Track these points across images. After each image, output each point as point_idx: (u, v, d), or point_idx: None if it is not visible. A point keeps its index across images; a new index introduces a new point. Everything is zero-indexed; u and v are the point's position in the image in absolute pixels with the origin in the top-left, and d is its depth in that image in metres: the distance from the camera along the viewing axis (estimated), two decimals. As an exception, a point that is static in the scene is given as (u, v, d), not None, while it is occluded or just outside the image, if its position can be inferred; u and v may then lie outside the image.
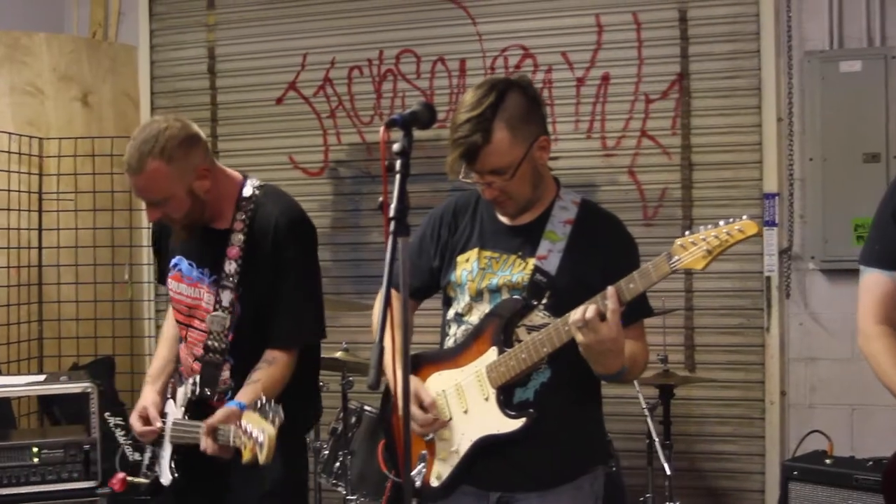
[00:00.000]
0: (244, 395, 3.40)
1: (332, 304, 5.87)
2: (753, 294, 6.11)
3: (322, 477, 5.42)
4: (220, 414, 3.33)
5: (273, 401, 3.19)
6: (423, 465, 3.21)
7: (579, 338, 2.86)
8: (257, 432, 3.11)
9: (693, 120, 6.19)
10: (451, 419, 3.18)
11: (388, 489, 4.55)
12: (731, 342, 6.16)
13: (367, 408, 5.27)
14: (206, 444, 3.32)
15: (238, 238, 3.58)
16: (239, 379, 3.55)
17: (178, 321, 3.77)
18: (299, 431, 3.81)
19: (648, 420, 5.22)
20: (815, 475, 4.79)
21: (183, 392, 3.66)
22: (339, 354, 5.39)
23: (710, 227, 2.75)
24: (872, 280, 3.26)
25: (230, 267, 3.56)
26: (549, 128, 6.16)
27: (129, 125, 7.06)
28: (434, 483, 3.21)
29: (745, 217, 2.72)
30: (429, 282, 3.36)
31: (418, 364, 3.32)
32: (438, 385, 3.22)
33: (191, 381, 3.62)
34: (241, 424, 3.20)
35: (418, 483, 3.19)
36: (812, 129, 5.92)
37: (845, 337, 5.95)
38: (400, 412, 2.54)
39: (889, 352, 3.18)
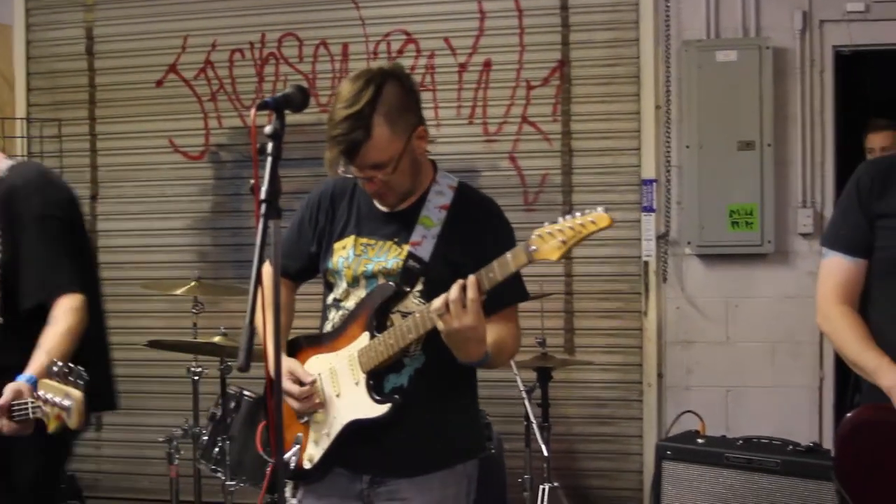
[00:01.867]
0: (32, 367, 3.30)
1: (212, 288, 5.85)
2: (631, 278, 6.22)
3: (201, 463, 5.37)
4: (8, 393, 3.20)
5: (69, 364, 3.09)
6: (297, 447, 3.21)
7: (440, 325, 2.86)
8: (60, 399, 3.04)
9: (573, 107, 6.28)
10: (324, 402, 3.19)
11: (268, 473, 4.53)
12: (609, 326, 6.26)
13: (246, 393, 5.24)
14: (2, 424, 3.21)
15: None
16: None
17: None
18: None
19: (526, 403, 5.28)
20: (688, 454, 4.89)
21: None
22: (217, 339, 5.34)
23: (567, 217, 2.75)
24: (835, 263, 3.35)
25: None
26: (432, 113, 6.29)
27: (3, 106, 6.91)
28: (307, 465, 3.21)
29: (598, 209, 2.71)
30: (308, 265, 3.34)
31: (297, 347, 3.31)
32: (315, 368, 3.21)
33: None
34: (39, 396, 3.12)
35: (293, 465, 3.19)
36: (689, 117, 6.04)
37: (720, 320, 6.11)
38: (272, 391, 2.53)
39: (850, 329, 3.28)
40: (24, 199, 3.50)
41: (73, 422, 3.03)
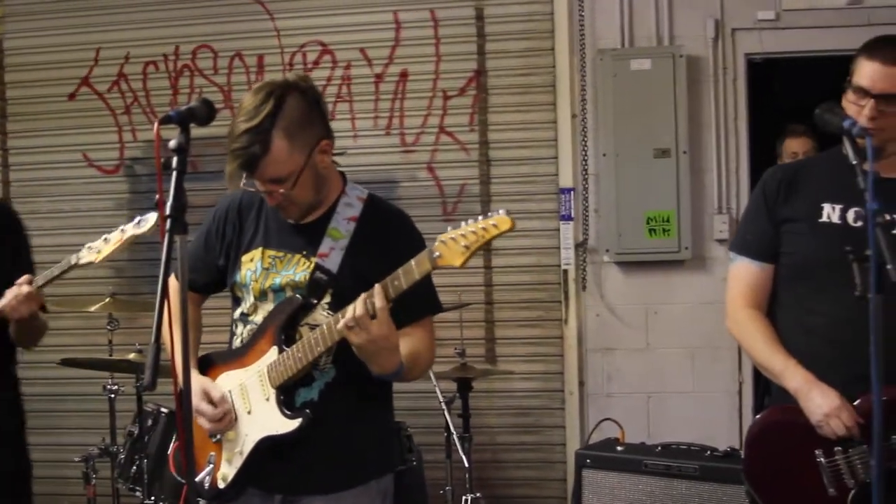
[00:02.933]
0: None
1: (127, 304, 5.76)
2: (551, 287, 6.24)
3: (119, 482, 5.30)
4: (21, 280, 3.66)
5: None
6: (211, 466, 3.16)
7: (351, 338, 2.85)
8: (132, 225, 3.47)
9: (490, 116, 6.29)
10: (236, 420, 3.15)
11: (183, 493, 4.48)
12: (530, 335, 6.28)
13: (163, 410, 5.17)
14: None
15: None
16: None
17: None
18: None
19: (446, 413, 5.27)
20: (607, 462, 4.89)
21: None
22: (132, 356, 5.27)
23: (469, 221, 2.75)
24: (742, 268, 3.42)
25: None
26: (348, 124, 6.26)
27: (-89, 120, 6.76)
28: (221, 485, 3.16)
29: (500, 212, 2.71)
30: (217, 278, 3.31)
31: (208, 364, 3.27)
32: (225, 385, 3.18)
33: None
34: (92, 247, 3.56)
35: (207, 485, 3.14)
36: (605, 126, 6.08)
37: (640, 327, 6.15)
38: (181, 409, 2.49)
39: (758, 332, 3.34)
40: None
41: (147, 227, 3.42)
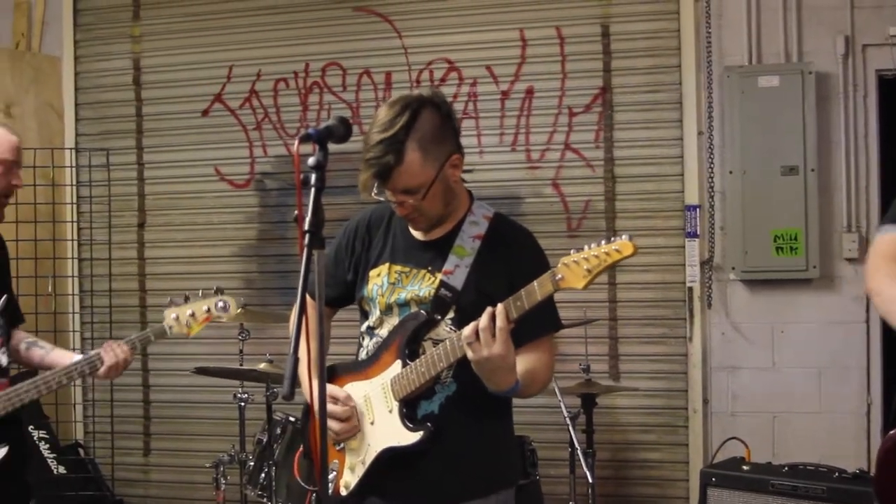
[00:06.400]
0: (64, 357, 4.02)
1: (257, 315, 5.89)
2: (676, 304, 6.20)
3: (248, 488, 5.42)
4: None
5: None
6: (334, 473, 3.23)
7: (469, 354, 2.89)
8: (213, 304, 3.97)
9: (616, 133, 6.28)
10: (360, 429, 3.21)
11: (307, 500, 4.58)
12: (654, 352, 6.25)
13: (291, 419, 5.28)
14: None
15: None
16: None
17: None
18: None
19: (570, 429, 5.27)
20: (733, 481, 4.86)
21: None
22: (262, 366, 5.39)
23: (592, 245, 2.78)
24: (889, 237, 3.30)
25: None
26: (474, 140, 6.32)
27: (53, 136, 7.02)
28: (343, 492, 3.23)
29: (623, 237, 2.74)
30: (345, 292, 3.38)
31: (333, 375, 3.33)
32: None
33: None
34: (177, 319, 3.94)
35: (329, 491, 3.21)
36: (732, 143, 6.03)
37: (766, 346, 6.07)
38: (316, 418, 2.56)
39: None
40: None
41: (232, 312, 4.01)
